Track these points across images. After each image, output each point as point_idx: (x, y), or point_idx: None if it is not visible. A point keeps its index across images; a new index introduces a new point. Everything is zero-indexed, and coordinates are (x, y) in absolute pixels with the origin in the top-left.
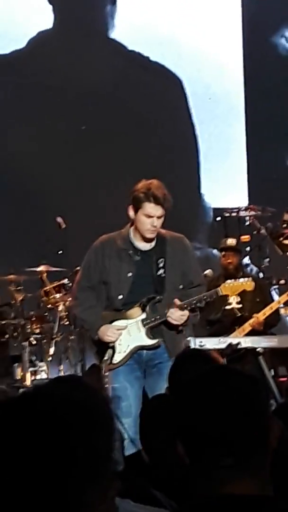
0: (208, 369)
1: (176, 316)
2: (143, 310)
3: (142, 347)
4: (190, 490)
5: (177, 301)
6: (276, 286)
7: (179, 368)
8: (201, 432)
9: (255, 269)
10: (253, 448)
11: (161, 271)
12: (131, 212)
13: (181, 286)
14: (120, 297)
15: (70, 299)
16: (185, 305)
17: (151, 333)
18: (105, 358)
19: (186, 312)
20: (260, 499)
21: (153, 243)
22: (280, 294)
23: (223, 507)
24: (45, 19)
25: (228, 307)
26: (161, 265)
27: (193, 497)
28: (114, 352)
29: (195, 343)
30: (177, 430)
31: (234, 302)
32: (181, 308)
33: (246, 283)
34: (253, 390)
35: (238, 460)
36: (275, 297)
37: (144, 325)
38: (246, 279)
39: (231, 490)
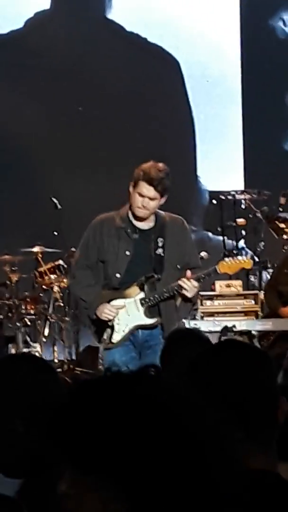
0: (220, 343)
1: (189, 285)
2: (142, 289)
3: (141, 326)
4: None
5: (189, 273)
6: (271, 270)
7: (171, 347)
8: (211, 403)
9: (250, 252)
10: (263, 423)
11: (160, 250)
12: (130, 189)
13: (179, 266)
14: (118, 275)
15: (65, 279)
16: (202, 276)
17: (149, 312)
18: (104, 337)
19: (198, 284)
20: (267, 474)
21: (152, 223)
22: None
23: None
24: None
25: None
26: (160, 244)
27: None
28: (112, 331)
29: (190, 325)
30: None
31: None
32: (197, 279)
33: (244, 261)
34: (265, 365)
35: (249, 434)
36: None
37: (142, 304)
38: (244, 257)
39: (244, 464)
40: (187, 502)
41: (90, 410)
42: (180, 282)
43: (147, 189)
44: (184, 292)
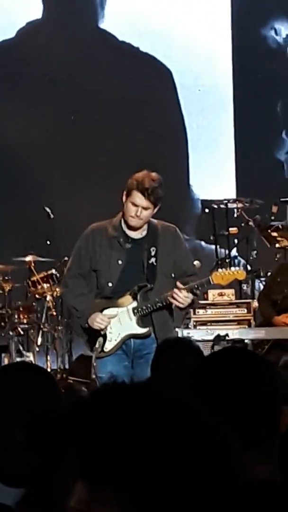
0: (223, 350)
1: (181, 296)
2: (134, 298)
3: (133, 336)
4: None
5: (180, 284)
6: (263, 279)
7: (161, 356)
8: (212, 412)
9: (242, 261)
10: (264, 432)
11: (152, 259)
12: (123, 197)
13: (172, 275)
14: (110, 284)
15: (58, 288)
16: (196, 286)
17: (141, 321)
18: (96, 346)
19: (191, 295)
20: (268, 484)
21: (144, 232)
22: None
23: None
24: (34, 9)
25: None
26: (152, 253)
27: None
28: (105, 341)
29: (183, 334)
30: None
31: None
32: (190, 290)
33: (237, 273)
34: (268, 373)
35: (250, 444)
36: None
37: (134, 314)
38: (237, 268)
39: None
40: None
41: (103, 422)
42: (173, 293)
43: (140, 199)
44: (175, 303)
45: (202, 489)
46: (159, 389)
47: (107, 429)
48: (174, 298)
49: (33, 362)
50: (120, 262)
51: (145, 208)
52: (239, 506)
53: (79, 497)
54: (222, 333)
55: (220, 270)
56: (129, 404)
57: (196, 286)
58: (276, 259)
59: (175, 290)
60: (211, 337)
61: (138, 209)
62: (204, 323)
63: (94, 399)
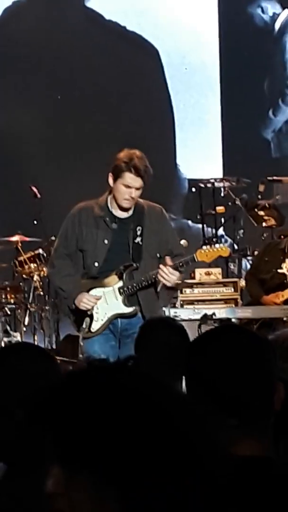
0: (218, 327)
1: (167, 273)
2: (120, 278)
3: (119, 315)
4: None
5: (168, 260)
6: (250, 257)
7: (145, 336)
8: (207, 388)
9: (229, 240)
10: (259, 409)
11: (138, 239)
12: (110, 180)
13: (158, 255)
14: (96, 264)
15: (45, 268)
16: (180, 264)
17: (128, 301)
18: (83, 326)
19: (177, 273)
20: (263, 460)
21: (130, 212)
22: None
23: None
24: None
25: (280, 270)
26: (138, 233)
27: None
28: (91, 321)
29: (170, 313)
30: (186, 387)
31: (285, 267)
32: (175, 267)
33: (221, 249)
34: (262, 349)
35: (243, 420)
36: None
37: (121, 293)
38: (221, 245)
39: (235, 451)
40: (180, 494)
41: (77, 405)
42: (159, 270)
43: (134, 180)
44: (161, 279)
45: (178, 470)
46: (135, 370)
47: (81, 412)
48: (161, 275)
49: (21, 341)
50: (106, 241)
51: (137, 188)
52: (218, 481)
53: (56, 480)
54: (209, 312)
55: (204, 247)
56: (103, 387)
57: (180, 263)
58: (263, 238)
59: (161, 266)
60: (198, 316)
61: (132, 190)
62: (191, 302)
63: (68, 381)
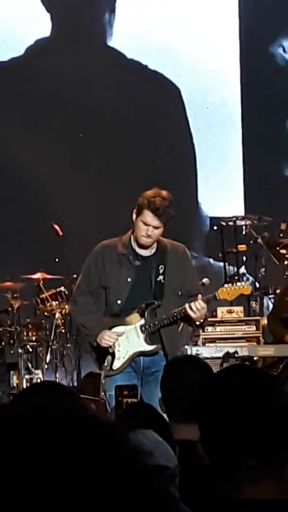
0: (229, 367)
1: (197, 307)
2: (142, 315)
3: (141, 353)
4: (210, 493)
5: (200, 295)
6: (272, 296)
7: (170, 374)
8: (223, 431)
9: (251, 278)
10: (276, 449)
11: (160, 277)
12: (134, 216)
13: (179, 293)
14: (119, 302)
15: (67, 305)
16: (210, 299)
17: (149, 339)
18: (105, 364)
19: (206, 306)
20: (281, 503)
21: (153, 250)
22: None
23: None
24: (43, 27)
25: None
26: (161, 271)
27: (212, 500)
28: (113, 359)
29: (192, 351)
30: (199, 430)
31: None
32: (206, 301)
33: (243, 287)
34: (275, 388)
35: (261, 461)
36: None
37: (142, 331)
38: (243, 283)
39: (253, 492)
40: None
41: (27, 451)
42: (190, 304)
43: (152, 218)
44: (191, 313)
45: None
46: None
47: (30, 456)
48: (191, 308)
49: (42, 379)
50: (129, 279)
51: (155, 227)
52: None
53: None
54: (231, 350)
55: (226, 285)
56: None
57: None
58: (285, 276)
59: (193, 301)
60: (220, 354)
61: (149, 228)
62: (213, 340)
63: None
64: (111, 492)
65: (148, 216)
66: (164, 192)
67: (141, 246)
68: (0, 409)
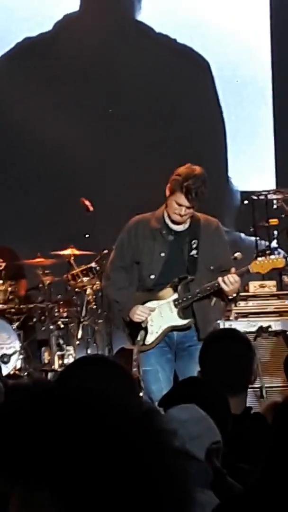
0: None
1: (231, 280)
2: (175, 290)
3: (174, 328)
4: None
5: (233, 269)
6: None
7: (208, 349)
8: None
9: (282, 252)
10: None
11: (194, 251)
12: (167, 192)
13: (212, 267)
14: (152, 276)
15: (98, 281)
16: (243, 272)
17: (182, 313)
18: (138, 339)
19: (239, 280)
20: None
21: (187, 225)
22: None
23: None
24: (72, 1)
25: None
26: (194, 245)
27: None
28: (146, 333)
29: (225, 326)
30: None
31: None
32: (240, 274)
33: (276, 260)
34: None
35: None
36: None
37: (175, 306)
38: (276, 256)
39: None
40: None
41: (33, 423)
42: (223, 277)
43: (184, 200)
44: (225, 287)
45: (135, 490)
46: (91, 390)
47: (39, 431)
48: (224, 282)
49: (74, 356)
50: (162, 254)
51: (188, 207)
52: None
53: (17, 502)
54: (265, 324)
55: (259, 258)
56: (61, 405)
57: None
58: None
59: (227, 275)
60: (254, 329)
61: (182, 208)
62: (245, 315)
63: (22, 401)
64: (133, 489)
65: (181, 198)
66: (197, 170)
67: (174, 222)
68: (43, 384)
